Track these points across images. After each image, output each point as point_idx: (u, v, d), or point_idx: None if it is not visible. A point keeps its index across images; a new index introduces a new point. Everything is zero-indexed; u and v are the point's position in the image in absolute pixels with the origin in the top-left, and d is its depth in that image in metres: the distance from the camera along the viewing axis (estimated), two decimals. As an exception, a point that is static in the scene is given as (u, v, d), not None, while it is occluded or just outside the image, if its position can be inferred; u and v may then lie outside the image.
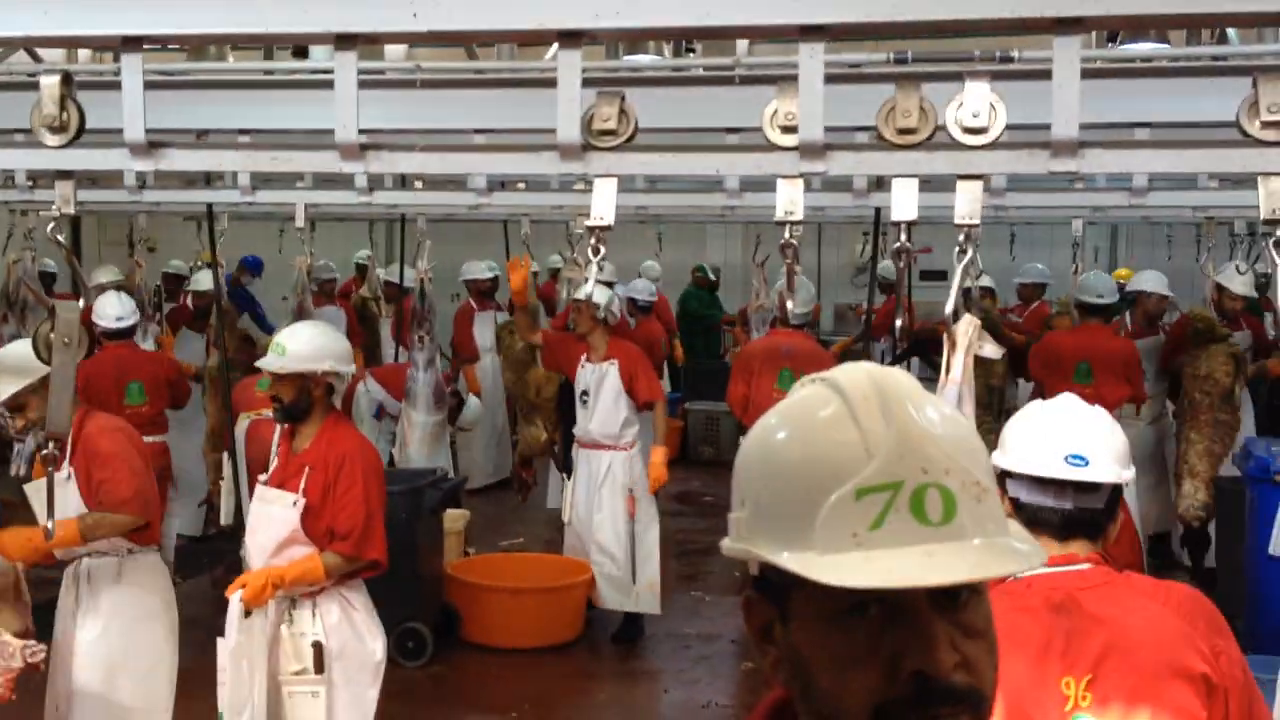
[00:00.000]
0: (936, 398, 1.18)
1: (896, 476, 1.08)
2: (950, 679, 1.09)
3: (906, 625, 1.09)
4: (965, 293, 7.92)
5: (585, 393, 7.10)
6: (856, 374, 1.16)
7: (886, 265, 12.97)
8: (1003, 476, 2.37)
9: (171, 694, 4.60)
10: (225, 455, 7.04)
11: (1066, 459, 2.34)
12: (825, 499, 1.09)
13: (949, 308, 2.90)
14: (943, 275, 12.42)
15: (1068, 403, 2.50)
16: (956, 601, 1.10)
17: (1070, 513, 2.34)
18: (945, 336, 2.94)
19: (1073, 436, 2.37)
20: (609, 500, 7.10)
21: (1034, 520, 2.32)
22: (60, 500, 4.30)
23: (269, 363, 4.47)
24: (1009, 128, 3.80)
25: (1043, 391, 7.43)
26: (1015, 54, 4.41)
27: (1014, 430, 2.45)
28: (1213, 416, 7.14)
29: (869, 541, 1.07)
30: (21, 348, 4.31)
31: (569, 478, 7.35)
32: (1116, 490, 2.41)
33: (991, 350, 3.04)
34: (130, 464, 4.39)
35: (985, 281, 9.45)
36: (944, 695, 1.09)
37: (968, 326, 2.94)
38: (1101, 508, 2.37)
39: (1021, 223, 10.58)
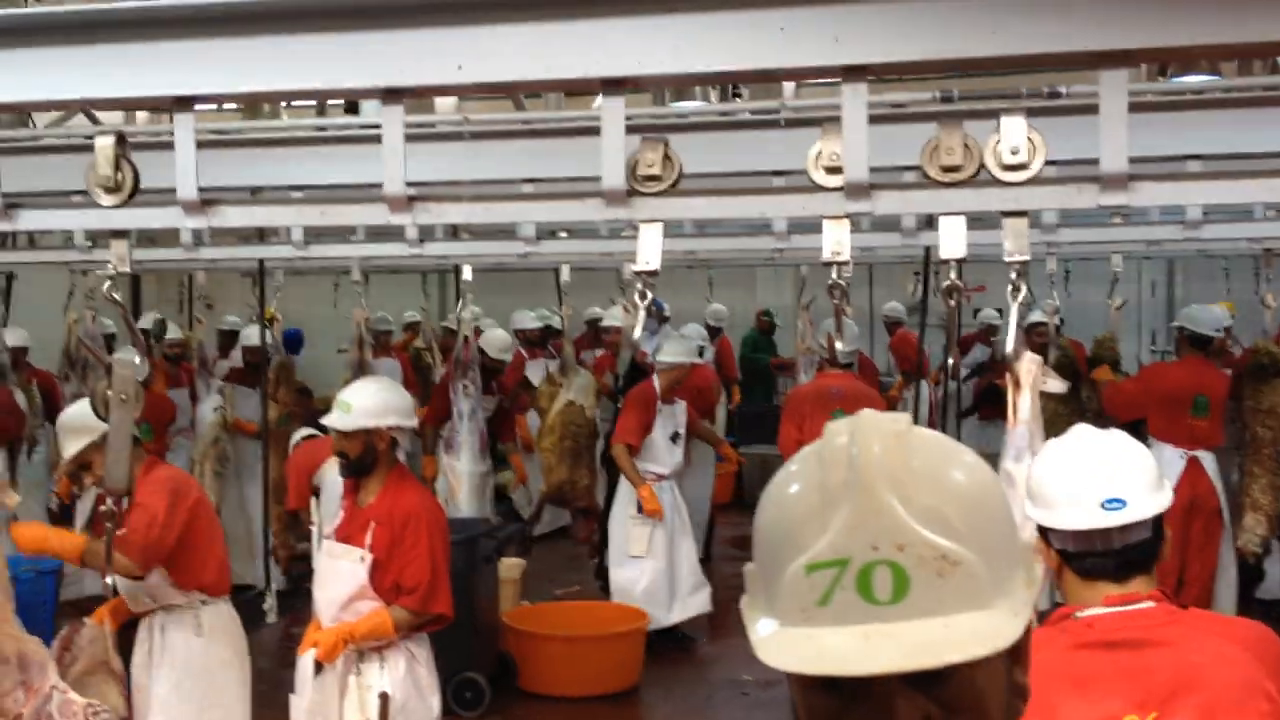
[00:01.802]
0: (949, 455, 1.11)
1: (844, 553, 1.03)
2: None
3: (871, 703, 1.05)
4: (1034, 327, 7.82)
5: (677, 433, 7.96)
6: (839, 436, 1.10)
7: (893, 305, 12.95)
8: (1043, 529, 2.31)
9: None
10: (314, 501, 7.09)
11: (1103, 505, 2.26)
12: (786, 569, 1.06)
13: (1009, 347, 2.86)
14: (995, 313, 12.33)
15: (1087, 438, 2.41)
16: (939, 676, 1.04)
17: (1121, 553, 2.28)
18: (1009, 377, 2.90)
19: (1105, 478, 2.29)
20: (686, 520, 7.97)
21: (1088, 571, 2.26)
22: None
23: (334, 420, 4.53)
24: (1060, 163, 3.78)
25: (1142, 425, 7.33)
26: (1064, 89, 4.38)
27: (1041, 480, 2.35)
28: (1275, 450, 7.03)
29: (816, 618, 1.04)
30: (85, 407, 4.37)
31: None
32: (1161, 514, 2.35)
33: (1056, 385, 2.99)
34: (150, 513, 4.36)
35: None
36: None
37: (1030, 365, 2.90)
38: (1149, 537, 2.31)
39: (1076, 258, 10.45)
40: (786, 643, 1.04)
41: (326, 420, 4.65)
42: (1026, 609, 1.07)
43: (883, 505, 1.04)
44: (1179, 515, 6.94)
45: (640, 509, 7.69)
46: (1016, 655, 1.12)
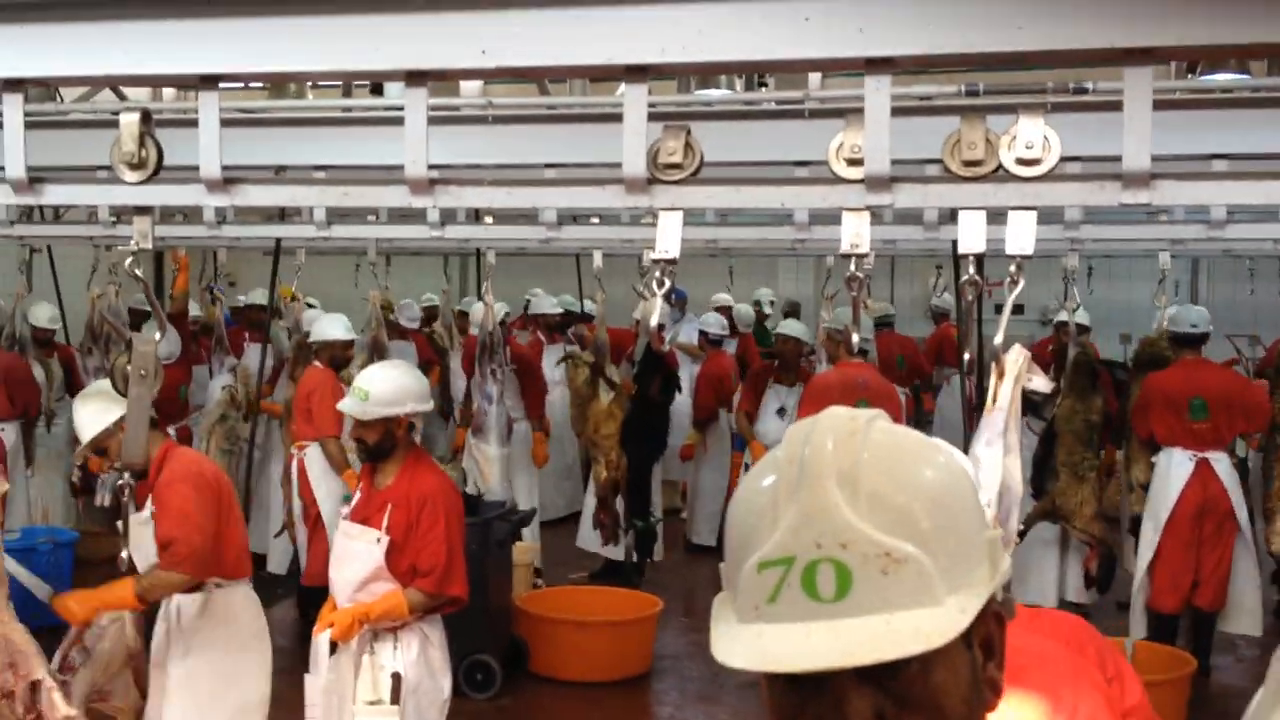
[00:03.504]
0: (909, 452, 1.12)
1: (790, 551, 1.05)
2: None
3: (825, 698, 1.07)
4: (1060, 326, 7.76)
5: (783, 409, 8.49)
6: (797, 435, 1.12)
7: (945, 298, 12.87)
8: None
9: None
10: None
11: None
12: (744, 566, 1.08)
13: (998, 337, 2.88)
14: (1019, 310, 12.26)
15: None
16: (892, 671, 1.05)
17: None
18: (994, 365, 2.92)
19: None
20: None
21: None
22: (143, 539, 4.38)
23: (353, 408, 4.50)
24: (1085, 159, 3.75)
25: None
26: (1090, 85, 4.35)
27: None
28: None
29: (767, 614, 1.06)
30: (99, 392, 4.39)
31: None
32: None
33: (1041, 384, 3.00)
34: (190, 520, 4.29)
35: (1081, 318, 9.26)
36: None
37: (1017, 356, 2.92)
38: None
39: (1100, 256, 10.41)
40: (738, 639, 1.07)
41: (343, 407, 4.62)
42: (978, 604, 1.07)
43: (827, 503, 1.05)
44: (1188, 517, 6.90)
45: None
46: (989, 650, 1.14)
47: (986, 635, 1.13)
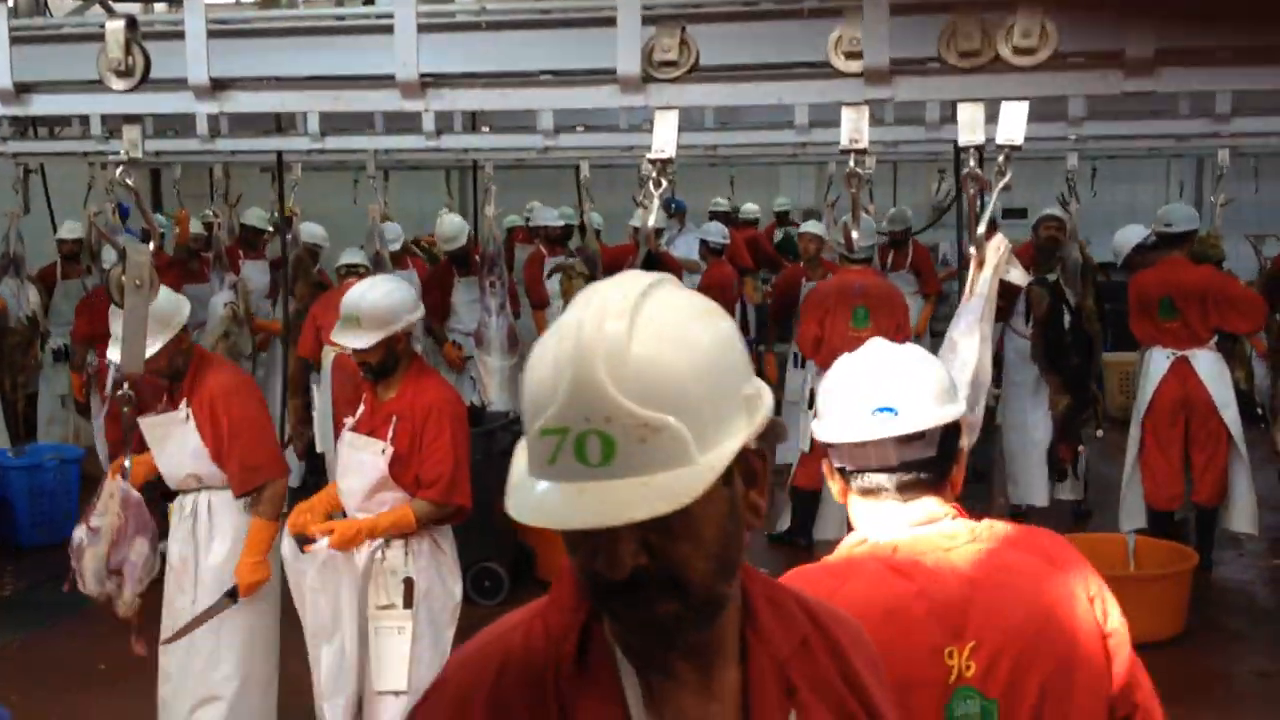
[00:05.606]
0: (680, 321, 1.26)
1: (565, 423, 1.22)
2: (627, 577, 1.25)
3: (598, 534, 1.24)
4: (1046, 219, 7.74)
5: None
6: (575, 312, 1.26)
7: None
8: (826, 448, 2.14)
9: (278, 613, 4.78)
10: (315, 387, 7.20)
11: (873, 414, 2.06)
12: (533, 428, 1.25)
13: (981, 227, 2.86)
14: (1023, 213, 12.16)
15: (870, 350, 2.20)
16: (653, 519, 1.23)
17: (899, 469, 2.08)
18: (975, 253, 2.91)
19: (875, 387, 2.08)
20: None
21: (868, 489, 2.09)
22: (179, 441, 4.52)
23: (350, 340, 4.41)
24: (1089, 54, 3.69)
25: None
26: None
27: (821, 392, 2.17)
28: None
29: (548, 474, 1.24)
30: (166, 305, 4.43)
31: None
32: (951, 431, 2.11)
33: (1018, 276, 3.02)
34: (260, 426, 4.56)
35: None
36: (621, 589, 1.26)
37: (998, 244, 2.91)
38: (934, 455, 2.08)
39: (1104, 157, 10.29)
40: (527, 492, 1.25)
41: (338, 338, 4.53)
42: (729, 455, 1.24)
43: (594, 382, 1.21)
44: (1165, 413, 6.94)
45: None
46: (752, 479, 1.33)
47: (748, 468, 1.32)
